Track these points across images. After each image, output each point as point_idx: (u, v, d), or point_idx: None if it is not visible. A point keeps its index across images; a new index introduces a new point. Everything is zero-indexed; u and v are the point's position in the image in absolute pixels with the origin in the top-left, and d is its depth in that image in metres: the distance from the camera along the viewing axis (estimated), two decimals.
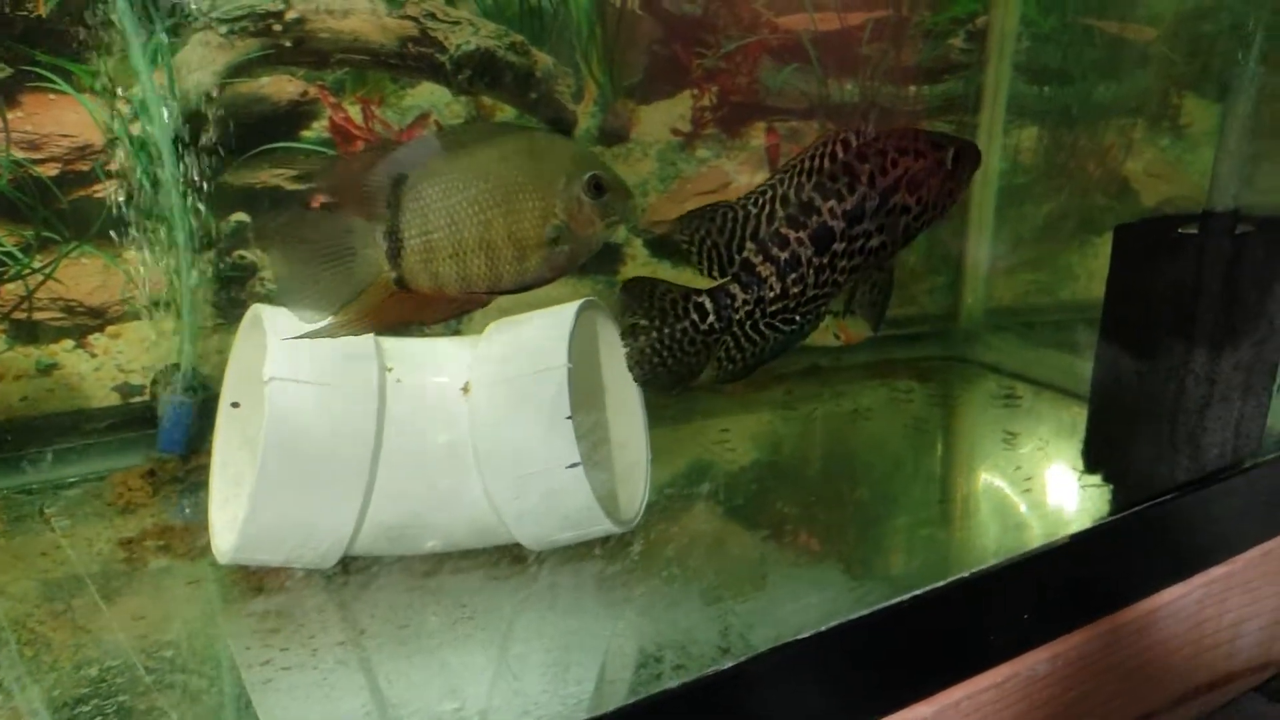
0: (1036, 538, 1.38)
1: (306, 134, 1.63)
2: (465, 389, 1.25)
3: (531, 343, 1.26)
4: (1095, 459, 1.50)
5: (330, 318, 1.10)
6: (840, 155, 1.13)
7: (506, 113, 1.74)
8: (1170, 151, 2.23)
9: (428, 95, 1.68)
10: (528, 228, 1.14)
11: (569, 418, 1.20)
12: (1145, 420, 1.46)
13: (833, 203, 1.12)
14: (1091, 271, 2.13)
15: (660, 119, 1.88)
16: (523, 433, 1.22)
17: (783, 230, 1.14)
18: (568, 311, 1.27)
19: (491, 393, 1.24)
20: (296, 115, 1.62)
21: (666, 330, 1.17)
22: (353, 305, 1.11)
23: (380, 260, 1.10)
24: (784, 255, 1.14)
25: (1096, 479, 1.50)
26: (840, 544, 1.42)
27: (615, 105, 1.82)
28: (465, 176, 1.12)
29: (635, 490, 1.38)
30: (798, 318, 1.17)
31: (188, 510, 1.42)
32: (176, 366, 1.58)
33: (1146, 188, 2.23)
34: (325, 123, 1.63)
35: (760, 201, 1.16)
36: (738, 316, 1.16)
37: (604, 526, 1.26)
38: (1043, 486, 1.55)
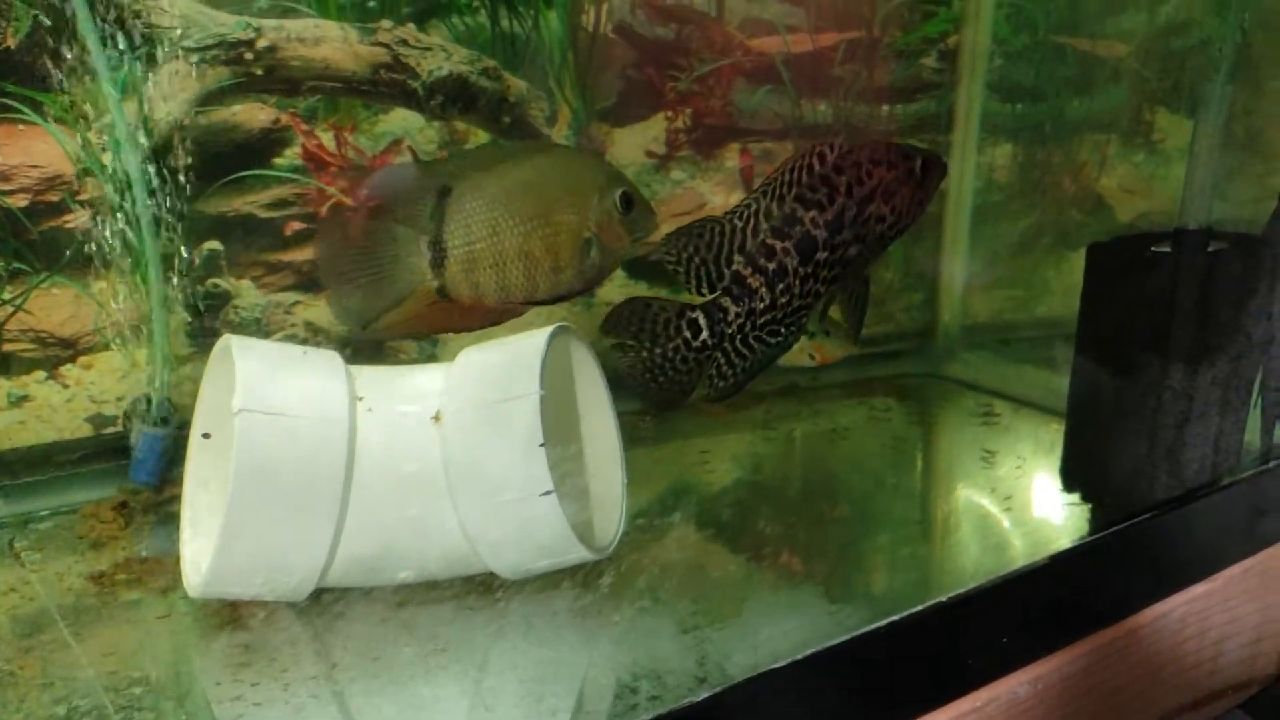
0: (1015, 558, 1.38)
1: (279, 161, 1.62)
2: (436, 417, 1.24)
3: (503, 370, 1.25)
4: (1073, 478, 1.50)
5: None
6: (818, 168, 1.16)
7: (480, 138, 1.73)
8: (1144, 167, 2.25)
9: (401, 121, 1.68)
10: (564, 240, 1.18)
11: (542, 445, 1.19)
12: (1123, 438, 1.46)
13: (814, 213, 1.15)
14: (1068, 287, 2.12)
15: (634, 142, 1.89)
16: (495, 461, 1.21)
17: (768, 241, 1.16)
18: (540, 337, 1.26)
19: (463, 421, 1.23)
20: (269, 143, 1.61)
21: (659, 350, 1.19)
22: (395, 312, 1.16)
23: (424, 269, 1.13)
24: (771, 266, 1.16)
25: (1075, 497, 1.49)
26: (819, 567, 1.41)
27: (589, 129, 1.82)
28: (507, 190, 1.17)
29: (611, 516, 1.37)
30: (783, 330, 1.19)
31: (160, 543, 1.41)
32: (149, 397, 1.56)
33: (1121, 203, 2.24)
34: (298, 150, 1.62)
35: (744, 215, 1.18)
36: (730, 331, 1.18)
37: (579, 554, 1.25)
38: (1021, 506, 1.55)
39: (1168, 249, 1.49)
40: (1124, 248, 1.52)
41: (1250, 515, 1.54)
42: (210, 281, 1.62)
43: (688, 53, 1.89)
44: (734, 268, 1.17)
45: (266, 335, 1.65)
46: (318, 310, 1.67)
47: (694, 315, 1.18)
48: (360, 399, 1.24)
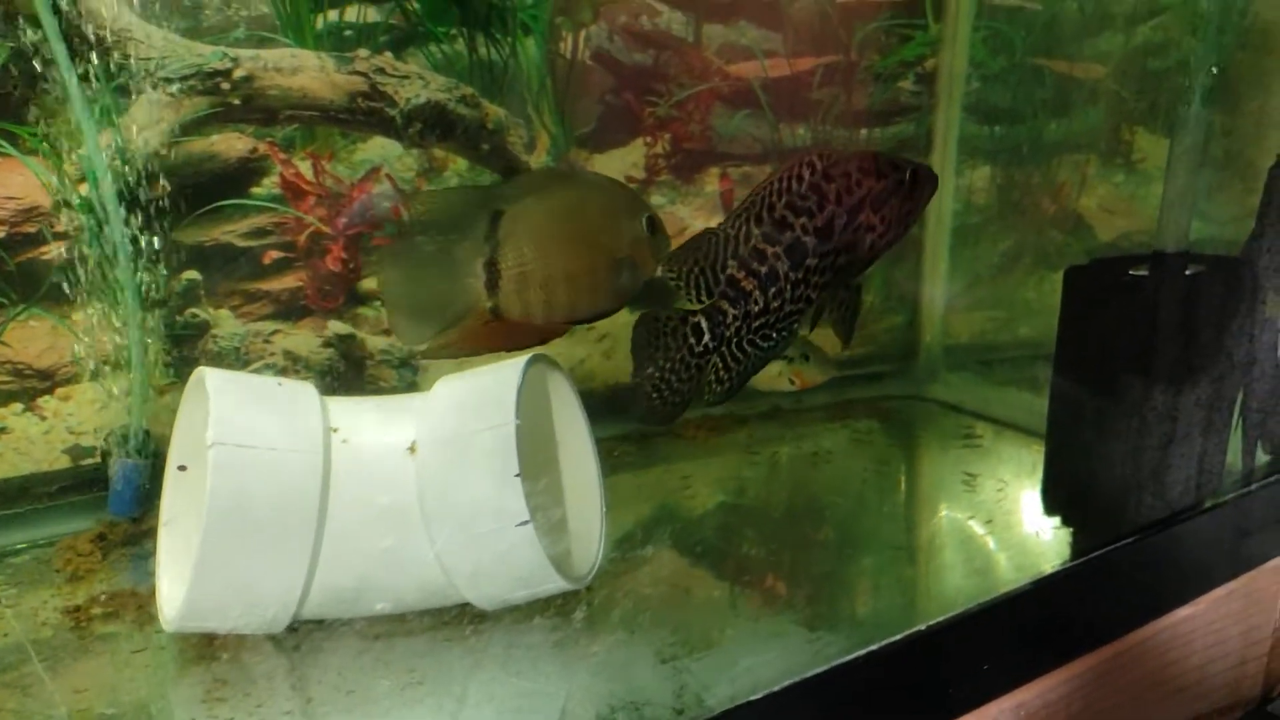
0: (997, 584, 1.37)
1: (257, 190, 1.62)
2: (412, 448, 1.23)
3: (478, 400, 1.25)
4: (1054, 501, 1.49)
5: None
6: (808, 177, 1.19)
7: (459, 165, 1.73)
8: (1124, 186, 2.25)
9: (379, 149, 1.68)
10: (602, 261, 1.25)
11: (517, 475, 1.18)
12: (1103, 462, 1.45)
13: (804, 219, 1.19)
14: (1050, 307, 2.11)
15: (614, 167, 1.89)
16: (471, 492, 1.20)
17: (759, 246, 1.19)
18: (515, 366, 1.26)
19: (438, 452, 1.23)
20: (247, 172, 1.61)
21: (665, 362, 1.23)
22: (451, 331, 1.23)
23: (480, 290, 1.18)
24: (764, 269, 1.20)
25: (1056, 521, 1.49)
26: (800, 594, 1.40)
27: (568, 155, 1.82)
28: (555, 214, 1.24)
29: (590, 545, 1.37)
30: (774, 334, 1.23)
31: (138, 575, 1.40)
32: (127, 428, 1.55)
33: (1102, 222, 2.24)
34: (276, 179, 1.62)
35: (736, 224, 1.21)
36: (729, 334, 1.21)
37: (557, 584, 1.24)
38: (1003, 530, 1.54)
39: (1146, 272, 1.49)
40: (1102, 271, 1.52)
41: (1233, 538, 1.54)
42: (189, 311, 1.61)
43: (666, 78, 1.90)
44: (729, 272, 1.20)
45: (245, 364, 1.65)
46: (297, 338, 1.67)
47: (696, 319, 1.21)
48: (335, 430, 1.23)
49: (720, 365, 1.24)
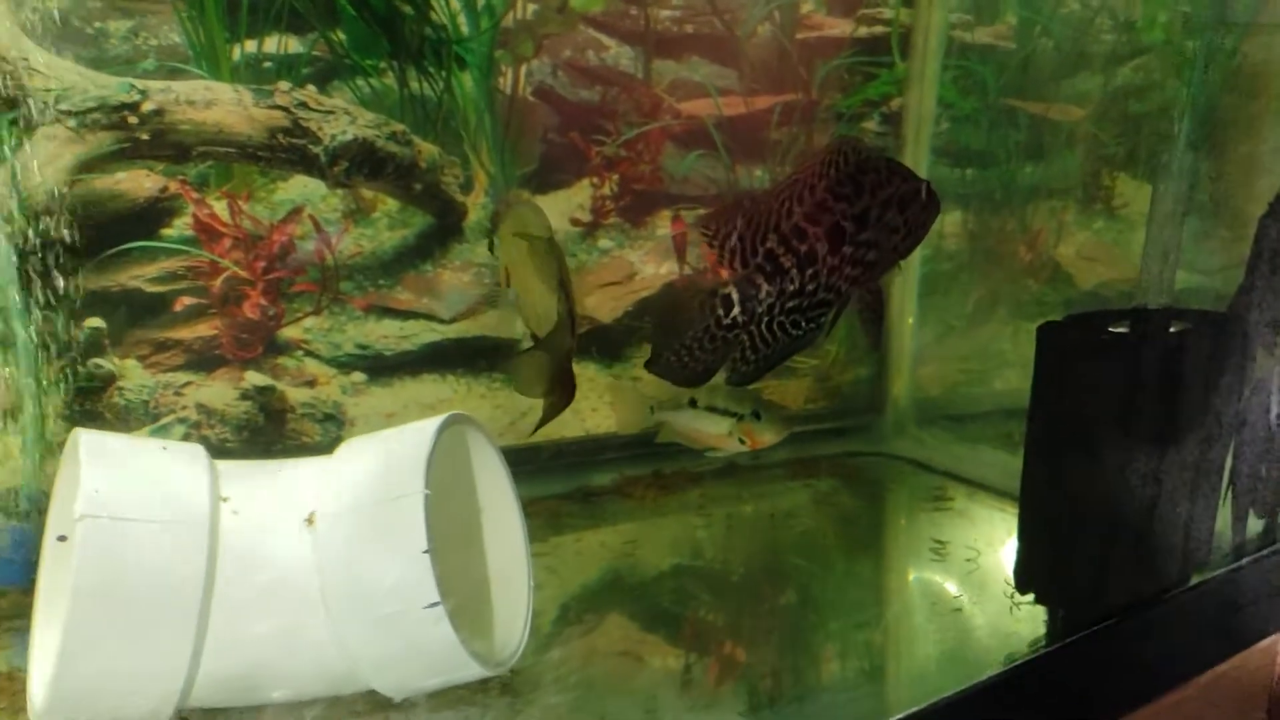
0: (967, 669, 1.25)
1: (168, 232, 1.51)
2: (310, 519, 1.11)
3: (385, 466, 1.13)
4: (1027, 577, 1.37)
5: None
6: (843, 165, 1.17)
7: (388, 205, 1.63)
8: (1105, 233, 2.17)
9: (301, 188, 1.57)
10: None
11: (426, 551, 1.06)
12: (1082, 533, 1.34)
13: (844, 205, 1.17)
14: (1026, 359, 2.03)
15: (558, 209, 1.78)
16: (375, 570, 1.08)
17: (801, 225, 1.16)
18: (427, 429, 1.14)
19: (339, 524, 1.10)
20: (156, 212, 1.50)
21: (690, 332, 1.19)
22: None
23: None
24: (803, 249, 1.17)
25: (1029, 599, 1.37)
26: (748, 676, 1.29)
27: (508, 196, 1.71)
28: None
29: (515, 626, 1.24)
30: (804, 321, 1.20)
31: (21, 653, 1.27)
32: (19, 489, 1.43)
33: (1081, 271, 2.16)
34: (188, 220, 1.51)
35: (780, 198, 1.18)
36: (760, 310, 1.18)
37: (474, 671, 1.11)
38: (974, 608, 1.42)
39: (1126, 329, 1.38)
40: (1078, 328, 1.42)
41: (1223, 616, 1.43)
42: (92, 362, 1.49)
43: (614, 116, 1.80)
44: (768, 245, 1.17)
45: (155, 418, 1.53)
46: (211, 390, 1.55)
47: (725, 291, 1.18)
48: (225, 499, 1.11)
49: (748, 343, 1.21)
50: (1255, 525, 1.56)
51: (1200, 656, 1.39)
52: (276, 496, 1.14)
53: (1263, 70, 1.82)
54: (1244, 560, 1.46)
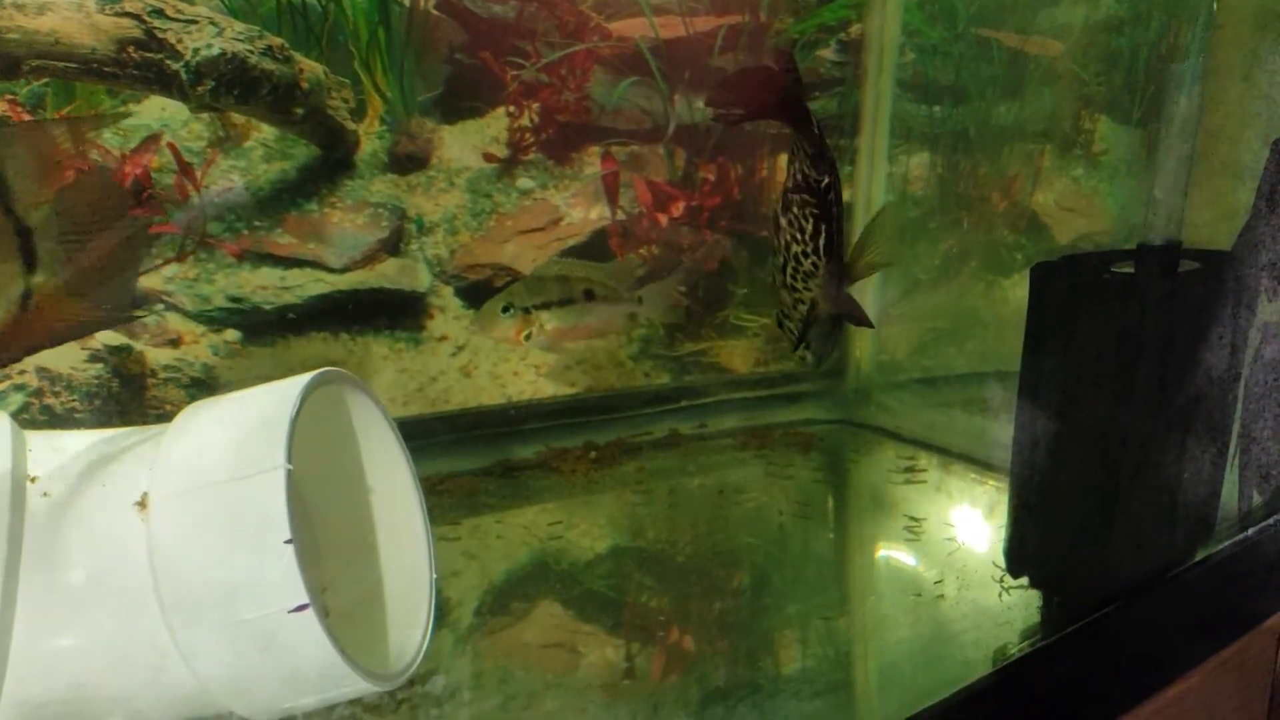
0: (953, 669, 1.08)
1: None
2: (142, 503, 0.89)
3: (236, 435, 0.91)
4: (1020, 557, 1.18)
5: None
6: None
7: (264, 133, 1.41)
8: (1084, 181, 1.99)
9: (158, 112, 1.36)
10: None
11: (289, 541, 0.85)
12: (1079, 507, 1.14)
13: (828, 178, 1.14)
14: (1002, 318, 1.86)
15: (469, 142, 1.58)
16: (224, 564, 0.86)
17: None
18: (290, 389, 0.92)
19: (177, 508, 0.88)
20: None
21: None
22: None
23: None
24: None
25: (1023, 582, 1.18)
26: (692, 680, 1.10)
27: (409, 124, 1.50)
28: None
29: (414, 630, 1.03)
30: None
31: None
32: None
33: (1060, 222, 1.98)
34: None
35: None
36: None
37: (359, 686, 0.90)
38: (958, 594, 1.22)
39: (1130, 269, 1.19)
40: (1077, 268, 1.23)
41: (1229, 596, 1.26)
42: None
43: (533, 35, 1.59)
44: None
45: None
46: (54, 352, 1.33)
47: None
48: (33, 480, 0.90)
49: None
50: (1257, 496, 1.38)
51: (1209, 642, 1.22)
52: (99, 476, 0.93)
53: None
54: (1249, 533, 1.29)
